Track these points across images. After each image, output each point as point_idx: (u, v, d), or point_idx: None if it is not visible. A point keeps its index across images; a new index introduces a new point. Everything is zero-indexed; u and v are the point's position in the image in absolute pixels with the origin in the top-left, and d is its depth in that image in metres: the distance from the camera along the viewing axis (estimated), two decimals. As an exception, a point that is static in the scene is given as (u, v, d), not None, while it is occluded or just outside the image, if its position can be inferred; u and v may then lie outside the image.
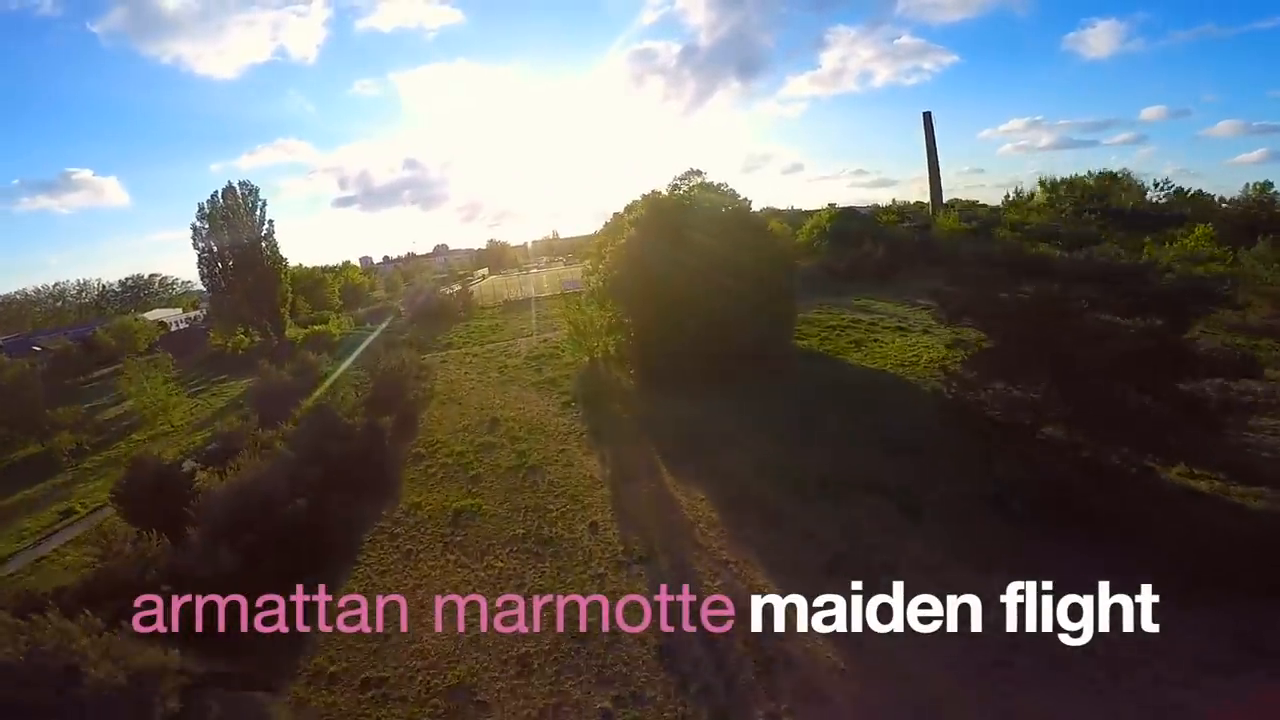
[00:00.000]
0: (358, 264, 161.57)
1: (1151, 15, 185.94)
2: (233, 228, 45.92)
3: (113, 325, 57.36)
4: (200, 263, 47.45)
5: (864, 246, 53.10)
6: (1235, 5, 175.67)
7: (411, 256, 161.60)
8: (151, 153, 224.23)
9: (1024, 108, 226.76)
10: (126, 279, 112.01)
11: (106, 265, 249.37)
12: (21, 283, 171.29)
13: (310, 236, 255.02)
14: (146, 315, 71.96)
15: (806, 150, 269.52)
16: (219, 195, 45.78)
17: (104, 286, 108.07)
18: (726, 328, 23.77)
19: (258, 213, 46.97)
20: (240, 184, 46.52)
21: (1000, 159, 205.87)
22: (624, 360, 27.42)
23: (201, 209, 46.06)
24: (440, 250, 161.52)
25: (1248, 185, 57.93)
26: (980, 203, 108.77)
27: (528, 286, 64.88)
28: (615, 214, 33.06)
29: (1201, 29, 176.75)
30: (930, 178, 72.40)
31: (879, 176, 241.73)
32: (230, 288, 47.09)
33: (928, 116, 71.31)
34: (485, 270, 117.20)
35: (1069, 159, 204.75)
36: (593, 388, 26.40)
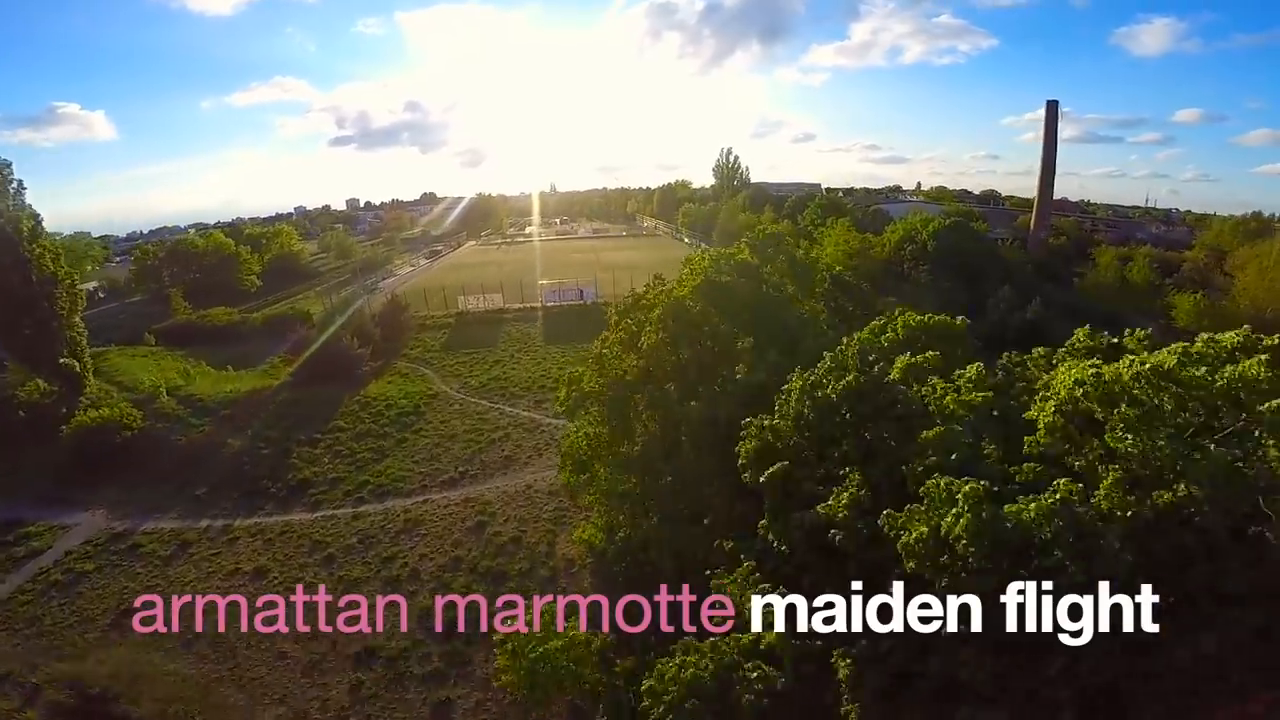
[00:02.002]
0: (343, 207, 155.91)
1: (1217, 16, 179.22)
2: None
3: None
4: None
5: (996, 290, 34.44)
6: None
7: (397, 203, 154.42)
8: (141, 88, 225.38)
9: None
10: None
11: (88, 199, 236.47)
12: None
13: (303, 175, 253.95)
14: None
15: (820, 121, 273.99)
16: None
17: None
18: None
19: (8, 200, 30.61)
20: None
21: (1017, 146, 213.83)
22: None
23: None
24: (428, 199, 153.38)
25: None
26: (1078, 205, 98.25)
27: (507, 272, 49.74)
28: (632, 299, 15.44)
29: (1270, 33, 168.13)
30: (1043, 177, 60.22)
31: (891, 153, 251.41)
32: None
33: (1053, 106, 59.55)
34: (465, 233, 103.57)
35: (1088, 153, 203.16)
36: None
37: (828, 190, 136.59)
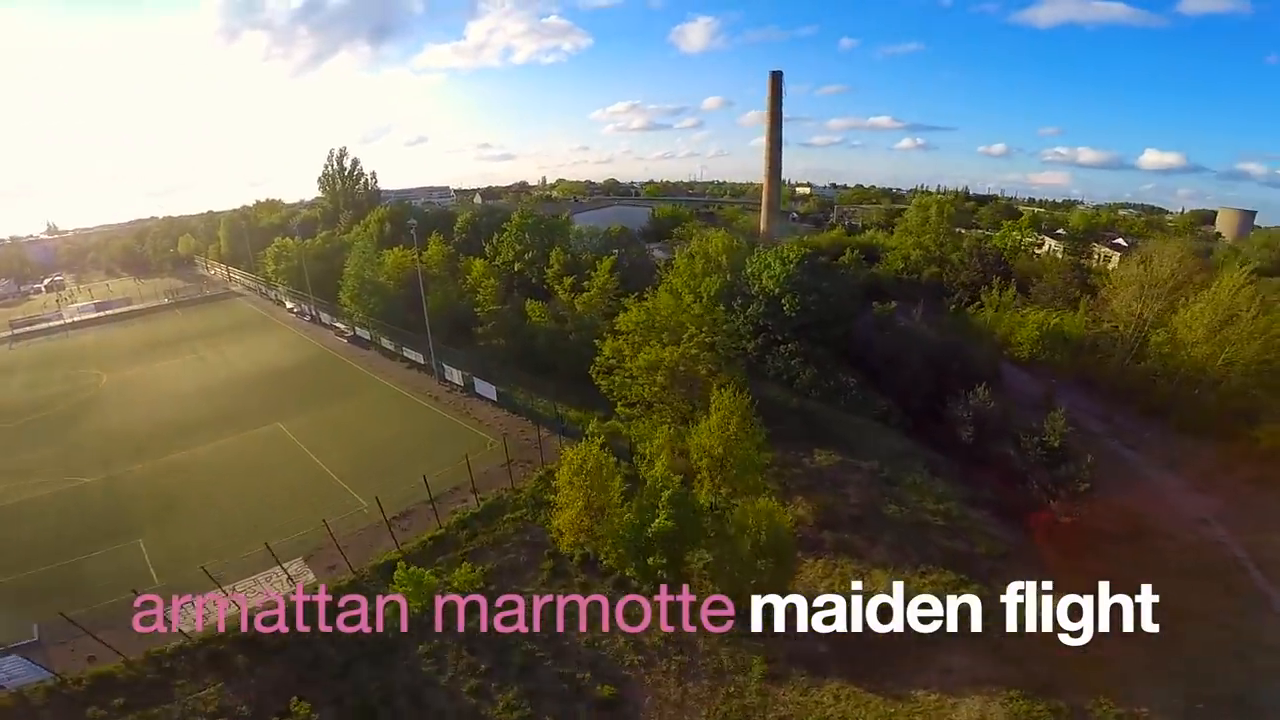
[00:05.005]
0: None
1: (741, 14, 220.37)
2: None
3: None
4: None
5: (914, 371, 23.24)
6: (797, 12, 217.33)
7: None
8: None
9: (630, 92, 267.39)
10: None
11: None
12: None
13: None
14: None
15: (434, 122, 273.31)
16: None
17: None
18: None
19: None
20: None
21: (603, 137, 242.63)
22: None
23: None
24: None
25: None
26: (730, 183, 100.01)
27: None
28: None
29: (769, 30, 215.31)
30: (770, 160, 55.66)
31: (503, 151, 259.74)
32: None
33: (776, 77, 54.61)
34: None
35: (651, 140, 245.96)
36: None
37: (458, 192, 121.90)
